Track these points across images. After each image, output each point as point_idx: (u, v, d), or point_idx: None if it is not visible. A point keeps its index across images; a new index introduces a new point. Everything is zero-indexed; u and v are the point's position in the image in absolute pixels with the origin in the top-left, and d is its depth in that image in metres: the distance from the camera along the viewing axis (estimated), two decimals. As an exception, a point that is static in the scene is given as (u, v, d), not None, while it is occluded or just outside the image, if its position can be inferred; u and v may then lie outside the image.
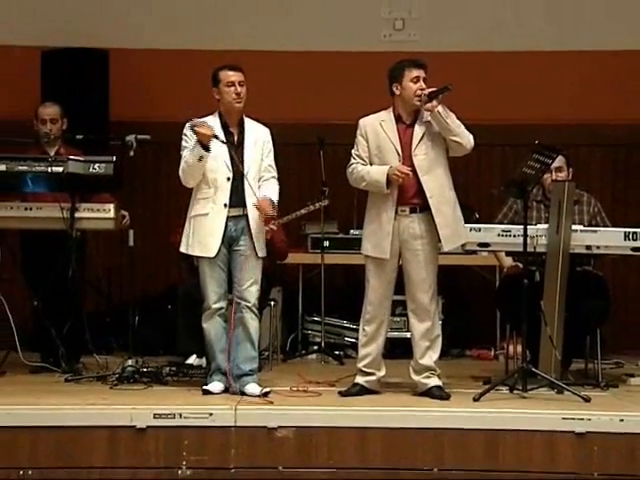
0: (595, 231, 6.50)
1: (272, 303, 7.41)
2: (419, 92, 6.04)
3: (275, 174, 6.31)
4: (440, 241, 6.07)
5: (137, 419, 5.59)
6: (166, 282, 8.46)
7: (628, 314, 8.59)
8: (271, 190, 6.24)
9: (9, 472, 5.53)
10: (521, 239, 6.24)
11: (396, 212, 6.07)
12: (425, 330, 6.12)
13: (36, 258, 6.88)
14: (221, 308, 6.20)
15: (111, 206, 6.71)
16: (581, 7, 8.55)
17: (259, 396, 5.97)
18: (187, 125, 6.23)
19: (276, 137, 6.41)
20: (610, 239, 6.43)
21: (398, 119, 6.15)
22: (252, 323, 6.18)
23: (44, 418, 5.61)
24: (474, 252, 6.98)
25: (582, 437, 5.53)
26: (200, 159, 6.07)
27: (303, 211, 7.76)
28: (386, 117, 6.16)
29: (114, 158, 6.60)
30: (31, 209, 6.68)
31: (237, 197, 6.14)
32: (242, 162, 6.17)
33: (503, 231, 6.46)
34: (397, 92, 6.13)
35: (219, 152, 6.13)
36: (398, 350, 7.27)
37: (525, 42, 8.57)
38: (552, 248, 6.39)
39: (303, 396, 6.08)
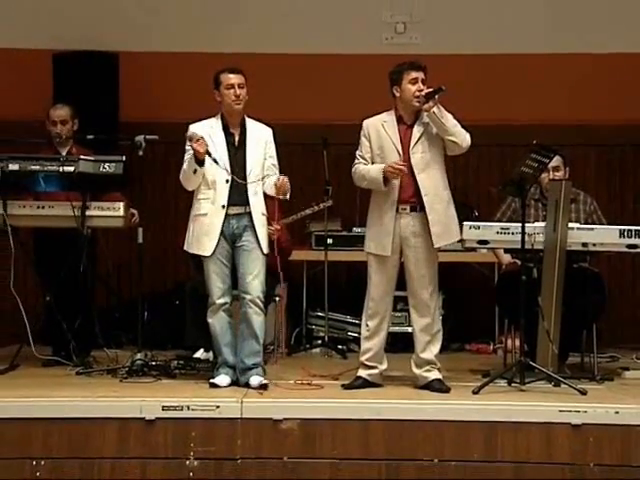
0: (591, 229, 6.51)
1: (277, 299, 7.41)
2: (417, 93, 6.05)
3: (277, 172, 6.28)
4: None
5: (146, 411, 5.59)
6: (174, 278, 8.47)
7: (623, 309, 8.60)
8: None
9: (23, 462, 5.54)
10: (519, 237, 6.24)
11: (397, 210, 6.08)
12: (426, 325, 6.13)
13: (48, 255, 6.90)
14: (225, 303, 6.20)
15: (121, 204, 6.72)
16: (577, 12, 8.54)
17: (255, 388, 5.97)
18: (190, 128, 6.24)
19: (280, 137, 6.41)
20: (606, 236, 6.43)
21: (399, 120, 6.16)
22: (256, 318, 6.16)
23: (56, 410, 5.62)
24: (473, 249, 6.99)
25: (578, 429, 5.53)
26: (195, 171, 6.10)
27: (308, 211, 7.78)
28: (388, 118, 6.17)
29: (124, 158, 6.61)
30: (43, 207, 6.69)
31: (239, 196, 6.13)
32: (244, 162, 6.17)
33: (502, 229, 6.46)
34: (397, 94, 6.14)
35: (218, 154, 6.13)
36: (399, 344, 7.28)
37: (523, 45, 8.57)
38: (549, 245, 6.39)
39: (307, 389, 6.08)
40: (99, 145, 7.00)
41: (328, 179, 7.86)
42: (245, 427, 5.59)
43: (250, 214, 6.16)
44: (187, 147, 6.22)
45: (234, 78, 6.17)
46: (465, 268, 8.28)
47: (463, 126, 6.10)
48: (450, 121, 6.05)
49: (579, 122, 8.64)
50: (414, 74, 6.08)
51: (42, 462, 5.54)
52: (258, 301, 6.17)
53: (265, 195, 6.26)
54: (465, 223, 6.35)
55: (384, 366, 6.23)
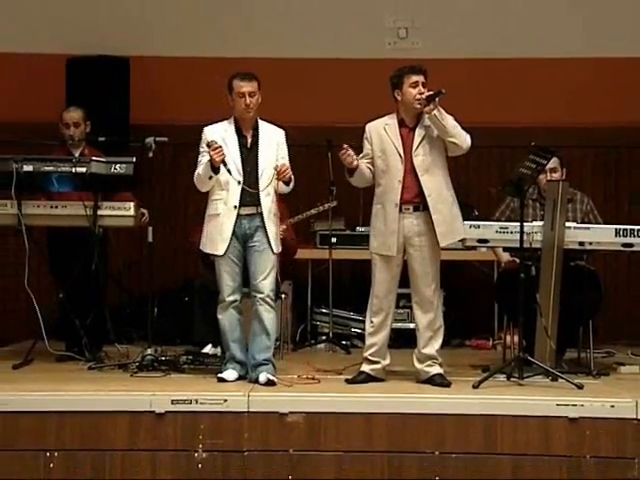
0: (588, 228, 6.50)
1: (283, 296, 7.41)
2: (418, 96, 6.05)
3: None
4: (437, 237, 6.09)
5: (156, 405, 5.60)
6: (183, 276, 8.47)
7: (618, 306, 8.59)
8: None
9: (37, 454, 5.55)
10: (518, 235, 6.23)
11: (400, 211, 6.08)
12: (428, 321, 6.13)
13: (61, 253, 6.90)
14: (235, 301, 6.19)
15: (131, 204, 6.72)
16: (574, 17, 8.53)
17: (262, 384, 5.96)
18: (204, 130, 6.22)
19: (286, 139, 6.40)
20: (602, 235, 6.43)
21: (401, 123, 6.15)
22: (266, 315, 6.15)
23: (69, 404, 5.63)
24: (474, 248, 6.98)
25: (575, 422, 5.53)
26: (210, 177, 6.10)
27: (313, 211, 7.78)
28: (390, 121, 6.17)
29: (134, 159, 6.61)
30: (57, 207, 6.69)
31: (251, 197, 6.12)
32: (257, 164, 6.15)
33: (501, 228, 6.46)
34: (398, 97, 6.13)
35: (231, 157, 6.11)
36: (402, 340, 7.27)
37: (522, 50, 8.56)
38: (547, 244, 6.38)
39: (312, 383, 6.08)
40: (110, 147, 7.01)
41: (332, 180, 7.85)
42: (252, 420, 5.59)
43: (262, 214, 6.14)
44: (202, 149, 6.21)
45: (245, 87, 6.13)
46: (465, 266, 8.28)
47: (463, 128, 6.09)
48: (450, 123, 6.04)
49: (576, 124, 8.63)
50: (414, 78, 6.07)
51: (55, 454, 5.55)
52: (269, 299, 6.17)
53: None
54: (465, 222, 6.33)
55: (387, 361, 6.22)
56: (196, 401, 5.62)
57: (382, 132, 6.15)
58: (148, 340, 6.62)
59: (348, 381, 6.17)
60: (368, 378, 6.17)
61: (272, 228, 6.15)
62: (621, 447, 5.51)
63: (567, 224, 6.42)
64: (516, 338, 6.44)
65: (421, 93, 6.04)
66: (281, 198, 6.34)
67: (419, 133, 6.12)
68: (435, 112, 5.99)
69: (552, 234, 6.36)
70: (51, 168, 6.57)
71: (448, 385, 6.04)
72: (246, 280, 6.25)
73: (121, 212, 6.69)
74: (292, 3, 8.59)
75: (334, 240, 8.04)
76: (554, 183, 6.55)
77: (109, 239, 7.16)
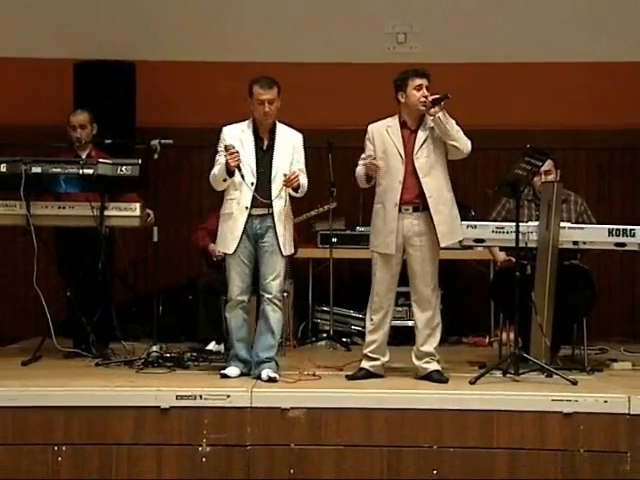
0: (581, 228, 6.50)
1: (285, 294, 7.40)
2: (422, 99, 6.04)
3: (305, 176, 6.21)
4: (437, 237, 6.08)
5: (161, 400, 5.60)
6: (187, 275, 8.46)
7: (611, 304, 8.59)
8: (302, 178, 6.15)
9: (45, 448, 5.55)
10: (514, 235, 6.24)
11: (400, 211, 6.08)
12: (427, 319, 6.13)
13: (69, 253, 6.89)
14: (243, 301, 6.15)
15: (137, 205, 6.72)
16: (569, 22, 8.54)
17: (265, 381, 5.96)
18: (223, 130, 6.20)
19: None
20: (595, 235, 6.43)
21: (403, 125, 6.15)
22: (273, 315, 6.14)
23: (76, 399, 5.64)
24: (470, 247, 6.98)
25: (569, 417, 5.53)
26: (224, 180, 6.08)
27: (313, 212, 7.78)
28: (392, 123, 6.16)
29: (140, 161, 6.61)
30: (64, 208, 6.68)
31: (263, 197, 6.08)
32: (270, 166, 6.11)
33: (497, 228, 6.46)
34: (402, 100, 6.12)
35: (246, 158, 6.08)
36: (401, 337, 7.27)
37: (517, 54, 8.56)
38: (542, 243, 6.38)
39: (313, 379, 6.07)
40: (117, 149, 7.02)
41: (333, 181, 7.85)
42: (254, 415, 5.59)
43: (273, 216, 6.10)
44: (219, 149, 6.17)
45: (264, 94, 6.06)
46: (462, 265, 8.27)
47: (464, 132, 6.09)
48: (454, 127, 6.04)
49: (570, 127, 8.63)
50: (419, 81, 6.07)
51: (63, 448, 5.56)
52: (276, 300, 6.15)
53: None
54: (462, 222, 6.33)
55: (386, 358, 6.22)
56: (200, 397, 5.62)
57: (384, 133, 6.15)
58: (153, 337, 6.62)
59: (348, 377, 6.17)
60: (368, 374, 6.16)
61: (283, 230, 6.11)
62: (614, 441, 5.51)
63: (562, 224, 6.42)
64: (512, 335, 6.43)
65: (425, 96, 6.03)
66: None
67: (421, 135, 6.11)
68: (440, 115, 5.98)
69: (547, 234, 6.36)
70: (59, 170, 6.56)
71: (446, 381, 6.03)
72: (254, 280, 6.23)
73: (127, 212, 6.69)
74: (294, 9, 8.59)
75: (335, 240, 8.04)
76: (549, 184, 6.55)
77: (115, 239, 7.15)
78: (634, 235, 6.37)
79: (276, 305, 6.16)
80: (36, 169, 6.51)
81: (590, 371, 6.44)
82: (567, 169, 8.01)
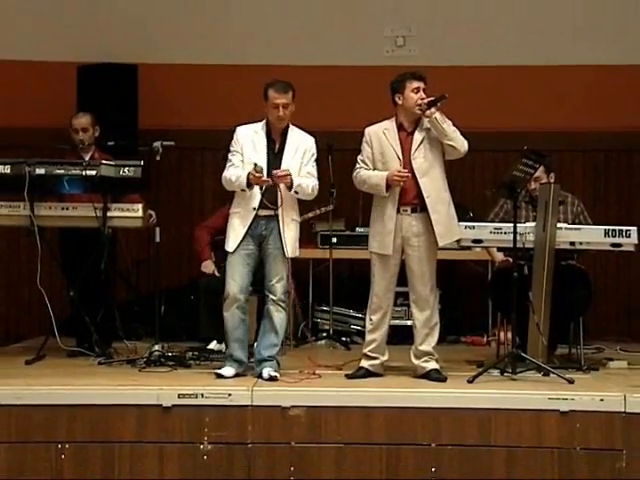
0: (578, 229, 6.50)
1: (286, 294, 7.39)
2: (419, 101, 6.04)
3: (314, 179, 6.17)
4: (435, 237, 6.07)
5: (163, 399, 5.60)
6: (189, 275, 8.46)
7: (608, 304, 8.59)
8: (304, 179, 6.11)
9: (48, 445, 5.55)
10: (511, 236, 6.23)
11: (398, 212, 6.07)
12: (425, 319, 6.12)
13: (72, 253, 6.89)
14: (239, 300, 6.10)
15: (139, 206, 6.71)
16: (565, 26, 8.54)
17: (266, 380, 5.95)
18: (237, 130, 6.17)
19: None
20: (592, 236, 6.43)
21: (400, 127, 6.14)
22: (277, 315, 6.12)
23: (79, 397, 5.63)
24: (468, 248, 6.95)
25: (566, 415, 5.53)
26: (242, 190, 6.06)
27: (310, 214, 7.77)
28: (389, 126, 6.16)
29: (142, 162, 6.60)
30: (68, 209, 6.68)
31: (271, 199, 6.06)
32: (279, 168, 6.07)
33: (495, 229, 6.45)
34: (399, 102, 6.12)
35: (256, 159, 6.05)
36: (399, 336, 7.26)
37: (515, 58, 8.56)
38: (539, 244, 6.38)
39: (313, 378, 6.07)
40: (119, 151, 7.01)
41: (332, 182, 7.85)
42: (255, 414, 5.58)
43: (278, 217, 6.07)
44: (232, 148, 6.15)
45: (279, 99, 6.04)
46: (461, 265, 8.26)
47: (461, 132, 6.08)
48: (450, 127, 6.04)
49: (566, 129, 8.63)
50: (416, 83, 6.06)
51: (66, 445, 5.55)
52: (280, 302, 6.13)
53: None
54: (461, 223, 6.33)
55: (385, 357, 6.21)
56: (202, 395, 5.61)
57: (381, 136, 6.14)
58: (155, 336, 6.62)
59: (348, 376, 6.16)
60: (367, 373, 6.16)
61: (288, 232, 6.08)
62: (610, 439, 5.50)
63: (558, 225, 6.42)
64: (509, 335, 6.43)
65: (422, 99, 6.03)
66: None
67: (418, 137, 6.11)
68: (437, 115, 5.98)
69: (544, 235, 6.36)
70: (62, 171, 6.56)
71: (444, 380, 6.03)
72: (254, 280, 6.22)
73: (129, 213, 6.68)
74: (294, 13, 8.59)
75: (334, 240, 8.03)
76: (546, 186, 6.54)
77: (118, 239, 7.15)
78: (630, 236, 6.37)
79: (280, 306, 6.14)
80: (40, 170, 6.51)
81: (586, 370, 6.43)
82: (564, 171, 8.01)
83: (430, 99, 6.01)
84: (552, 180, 6.75)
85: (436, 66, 7.92)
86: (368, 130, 6.21)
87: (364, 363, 6.19)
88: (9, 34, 8.48)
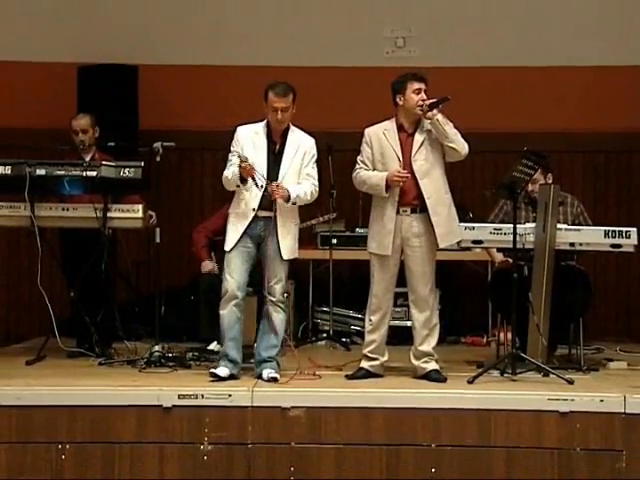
0: (578, 229, 6.51)
1: (285, 295, 7.38)
2: (420, 102, 6.03)
3: (314, 181, 6.16)
4: (436, 238, 6.07)
5: (163, 399, 5.60)
6: (189, 275, 8.46)
7: (607, 304, 8.59)
8: (300, 185, 6.10)
9: (49, 446, 5.55)
10: (511, 237, 6.23)
11: (398, 212, 6.07)
12: (425, 319, 6.12)
13: (73, 254, 6.89)
14: (236, 297, 6.08)
15: (139, 207, 6.72)
16: (565, 28, 8.54)
17: (266, 381, 5.95)
18: (237, 130, 6.17)
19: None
20: (591, 237, 6.43)
21: (400, 128, 6.14)
22: (276, 315, 6.12)
23: (80, 398, 5.63)
24: (468, 248, 6.97)
25: (566, 416, 5.53)
26: (237, 186, 6.06)
27: (313, 221, 7.77)
28: (389, 126, 6.15)
29: (142, 163, 6.60)
30: (68, 209, 6.69)
31: (269, 201, 6.04)
32: (279, 169, 6.08)
33: (495, 229, 6.46)
34: (400, 103, 6.12)
35: (256, 160, 6.05)
36: (399, 337, 7.26)
37: (515, 58, 8.57)
38: (539, 245, 6.38)
39: (313, 379, 6.07)
40: (120, 151, 7.01)
41: (333, 183, 7.85)
42: (255, 414, 5.58)
43: (276, 219, 6.05)
44: (232, 148, 6.14)
45: (278, 102, 6.02)
46: (461, 266, 8.26)
47: (461, 134, 6.08)
48: (452, 129, 6.04)
49: (566, 130, 8.63)
50: (417, 85, 6.06)
51: (67, 446, 5.55)
52: (279, 303, 6.13)
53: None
54: (461, 224, 6.33)
55: (385, 358, 6.21)
56: (202, 396, 5.62)
57: (381, 137, 6.14)
58: (155, 337, 6.62)
59: (348, 377, 6.16)
60: (367, 374, 6.16)
61: (285, 235, 6.08)
62: (609, 440, 5.51)
63: (558, 226, 6.42)
64: (509, 335, 6.43)
65: (423, 100, 6.03)
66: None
67: (418, 138, 6.11)
68: (439, 117, 5.98)
69: (544, 235, 6.36)
70: (63, 172, 6.56)
71: (444, 380, 6.03)
72: (252, 281, 6.21)
73: (130, 214, 6.69)
74: (295, 14, 8.59)
75: (334, 241, 8.03)
76: (546, 187, 6.54)
77: (118, 240, 7.15)
78: (629, 237, 6.38)
79: (279, 307, 6.14)
80: (40, 171, 6.52)
81: (586, 370, 6.43)
82: (564, 172, 8.02)
83: (432, 101, 6.00)
84: (550, 181, 6.75)
85: (436, 67, 7.91)
86: (368, 131, 6.20)
87: (364, 364, 6.19)
88: (10, 35, 8.49)
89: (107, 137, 7.07)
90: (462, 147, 6.08)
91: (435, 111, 5.98)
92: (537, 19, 8.55)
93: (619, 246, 6.39)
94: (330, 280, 7.92)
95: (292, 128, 6.18)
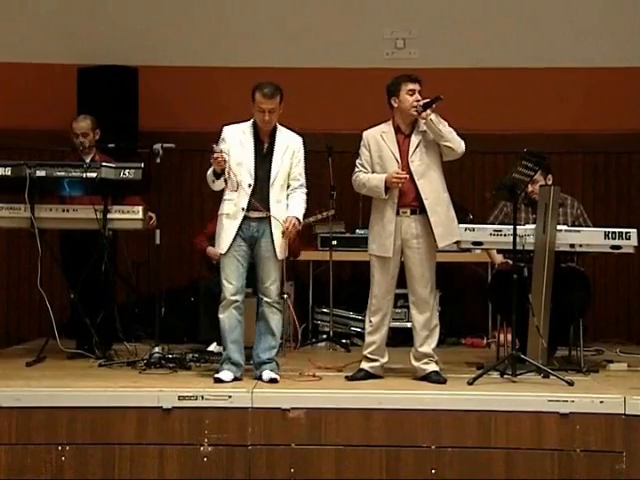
0: (578, 231, 6.50)
1: (285, 296, 7.39)
2: (415, 103, 6.04)
3: (303, 182, 6.16)
4: (435, 239, 6.08)
5: (163, 400, 5.59)
6: (189, 277, 8.47)
7: (607, 306, 8.60)
8: (297, 203, 6.11)
9: (49, 447, 5.54)
10: (511, 238, 6.23)
11: (397, 214, 6.07)
12: (425, 321, 6.12)
13: (73, 255, 6.89)
14: (237, 301, 6.06)
15: (140, 208, 6.72)
16: (565, 29, 8.56)
17: (266, 382, 5.95)
18: (224, 129, 6.15)
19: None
20: (591, 238, 6.43)
21: (397, 130, 6.14)
22: (272, 317, 6.10)
23: (80, 399, 5.62)
24: (468, 250, 6.99)
25: (566, 417, 5.52)
26: (213, 181, 6.04)
27: (311, 219, 7.77)
28: (386, 129, 6.16)
29: (142, 164, 6.60)
30: (68, 211, 6.68)
31: (261, 201, 6.01)
32: (269, 169, 6.05)
33: (495, 231, 6.46)
34: (395, 105, 6.12)
35: (244, 159, 6.03)
36: (399, 338, 7.27)
37: (515, 60, 8.58)
38: (539, 246, 6.38)
39: (314, 380, 6.07)
40: (120, 153, 7.01)
41: (333, 185, 7.85)
42: (255, 416, 5.58)
43: (269, 219, 6.03)
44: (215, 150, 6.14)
45: (265, 104, 5.98)
46: (461, 267, 8.27)
47: (458, 134, 6.08)
48: (446, 128, 6.04)
49: (566, 132, 8.65)
50: (411, 86, 6.07)
51: (67, 447, 5.54)
52: (275, 303, 6.11)
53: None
54: (461, 225, 6.33)
55: (385, 359, 6.21)
56: (202, 397, 5.61)
57: (379, 139, 6.14)
58: (155, 338, 6.63)
59: (348, 378, 6.16)
60: (367, 375, 6.16)
61: (279, 235, 6.04)
62: (610, 441, 5.50)
63: (558, 227, 6.42)
64: (509, 337, 6.43)
65: (417, 101, 6.04)
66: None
67: (415, 139, 6.11)
68: (432, 117, 5.99)
69: (544, 237, 6.36)
70: (63, 173, 6.56)
71: (444, 382, 6.03)
72: (249, 281, 6.20)
73: (130, 215, 6.69)
74: (295, 15, 8.60)
75: (334, 242, 8.04)
76: (546, 188, 6.54)
77: (118, 241, 7.15)
78: (629, 238, 6.37)
79: (276, 308, 6.13)
80: (40, 172, 6.51)
81: (586, 372, 6.43)
82: (563, 173, 8.03)
83: (425, 101, 6.01)
84: (550, 182, 6.75)
85: (436, 68, 7.94)
86: (366, 134, 6.21)
87: (364, 365, 6.19)
88: (10, 36, 8.50)
89: (107, 138, 7.06)
90: (458, 145, 6.08)
91: (429, 111, 5.99)
92: (538, 20, 8.56)
93: (619, 247, 6.39)
94: (330, 281, 7.92)
95: (279, 127, 6.15)
